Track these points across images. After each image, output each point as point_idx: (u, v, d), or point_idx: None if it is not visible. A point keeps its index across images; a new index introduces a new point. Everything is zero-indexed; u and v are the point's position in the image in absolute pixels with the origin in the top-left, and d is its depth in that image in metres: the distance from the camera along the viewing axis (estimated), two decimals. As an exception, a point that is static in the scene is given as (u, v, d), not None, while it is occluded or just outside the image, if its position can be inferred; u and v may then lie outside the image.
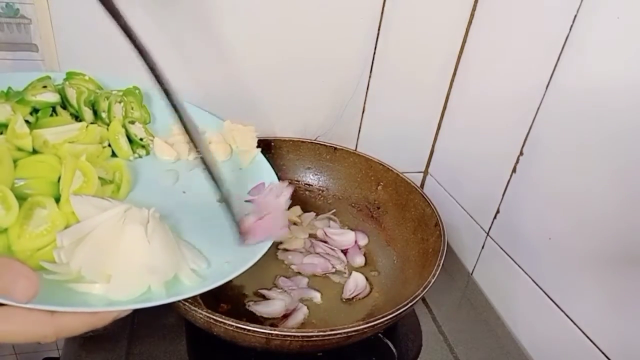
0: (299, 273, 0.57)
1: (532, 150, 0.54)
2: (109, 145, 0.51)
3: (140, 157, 0.53)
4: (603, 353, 0.45)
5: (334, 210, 0.67)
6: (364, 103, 0.70)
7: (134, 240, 0.36)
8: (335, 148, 0.67)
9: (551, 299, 0.51)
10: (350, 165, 0.67)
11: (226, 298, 0.52)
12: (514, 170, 0.57)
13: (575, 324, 0.48)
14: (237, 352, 0.46)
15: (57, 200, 0.39)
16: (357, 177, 0.67)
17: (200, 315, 0.39)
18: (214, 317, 0.39)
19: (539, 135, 0.53)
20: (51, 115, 0.50)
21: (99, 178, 0.43)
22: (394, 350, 0.51)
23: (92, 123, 0.51)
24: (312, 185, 0.69)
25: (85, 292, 0.34)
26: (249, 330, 0.39)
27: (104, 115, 0.53)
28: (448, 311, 0.58)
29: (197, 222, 0.45)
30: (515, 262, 0.57)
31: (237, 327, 0.39)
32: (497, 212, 0.60)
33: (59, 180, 0.41)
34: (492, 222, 0.61)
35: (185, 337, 0.50)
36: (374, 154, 0.66)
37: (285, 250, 0.59)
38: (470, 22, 0.66)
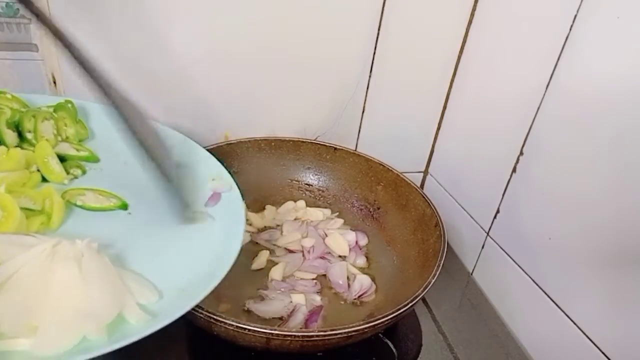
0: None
1: (532, 150, 0.54)
2: (39, 170, 0.45)
3: (76, 177, 0.47)
4: (603, 353, 0.45)
5: (337, 213, 0.67)
6: (364, 103, 0.70)
7: (64, 280, 0.31)
8: (335, 148, 0.67)
9: (551, 299, 0.51)
10: (350, 165, 0.67)
11: (226, 297, 0.52)
12: (514, 170, 0.57)
13: (575, 324, 0.48)
14: (237, 352, 0.46)
15: None
16: (357, 177, 0.67)
17: (201, 315, 0.39)
18: (214, 317, 0.39)
19: (539, 135, 0.53)
20: None
21: (26, 209, 0.38)
22: (394, 350, 0.51)
23: (16, 146, 0.45)
24: (312, 185, 0.69)
25: (7, 350, 0.29)
26: (249, 330, 0.39)
27: (29, 136, 0.47)
28: (448, 311, 0.58)
29: (146, 247, 0.40)
30: (515, 262, 0.57)
31: (237, 326, 0.39)
32: (497, 212, 0.60)
33: None
34: (492, 222, 0.61)
35: (185, 337, 0.50)
36: (374, 154, 0.66)
37: (288, 251, 0.59)
38: (470, 22, 0.66)
